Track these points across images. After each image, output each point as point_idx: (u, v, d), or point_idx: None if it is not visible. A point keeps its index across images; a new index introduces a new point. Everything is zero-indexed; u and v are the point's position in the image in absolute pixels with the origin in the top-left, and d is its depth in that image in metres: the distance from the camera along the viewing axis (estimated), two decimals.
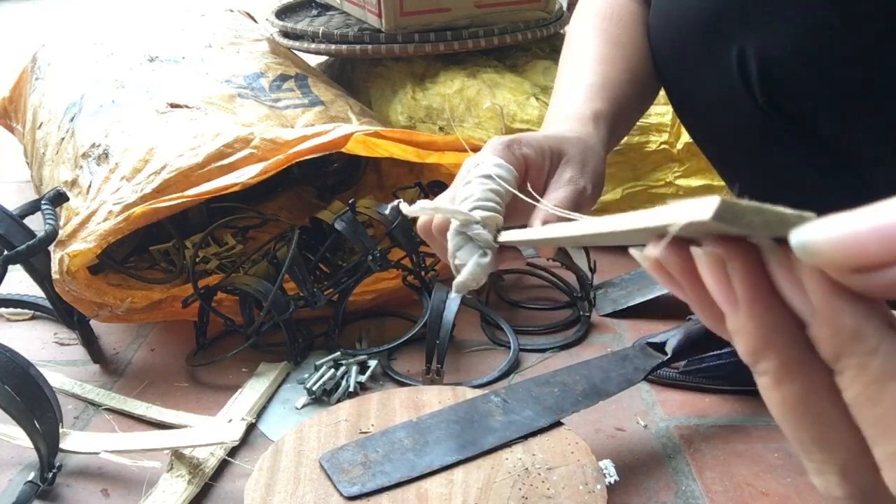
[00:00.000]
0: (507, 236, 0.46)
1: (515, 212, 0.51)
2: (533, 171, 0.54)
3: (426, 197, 1.01)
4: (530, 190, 0.51)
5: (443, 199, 0.53)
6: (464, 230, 0.47)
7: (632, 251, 0.24)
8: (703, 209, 0.19)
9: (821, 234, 0.19)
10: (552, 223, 0.48)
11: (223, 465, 0.76)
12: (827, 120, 0.61)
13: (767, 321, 0.22)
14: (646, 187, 1.17)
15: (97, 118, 1.06)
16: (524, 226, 0.51)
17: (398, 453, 0.68)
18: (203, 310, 0.93)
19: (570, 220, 0.46)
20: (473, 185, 0.49)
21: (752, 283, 0.22)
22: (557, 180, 0.55)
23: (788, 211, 0.20)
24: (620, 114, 0.66)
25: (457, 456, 0.68)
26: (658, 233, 0.22)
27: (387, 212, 0.41)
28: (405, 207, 0.45)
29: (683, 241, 0.23)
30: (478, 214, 0.47)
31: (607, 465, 0.70)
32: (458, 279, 0.47)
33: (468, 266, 0.47)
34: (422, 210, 0.45)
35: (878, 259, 0.18)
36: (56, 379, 0.89)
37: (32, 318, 1.05)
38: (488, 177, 0.49)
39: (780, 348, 0.22)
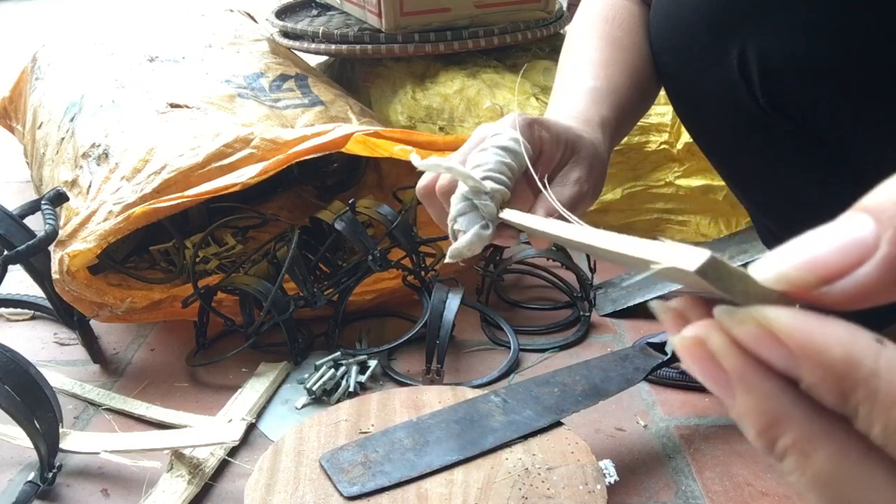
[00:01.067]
0: (509, 215, 0.46)
1: (516, 189, 0.50)
2: (545, 157, 0.54)
3: None
4: (540, 179, 0.51)
5: (453, 160, 0.52)
6: (471, 197, 0.47)
7: (651, 304, 0.23)
8: (690, 259, 0.20)
9: (785, 261, 0.20)
10: (554, 218, 0.49)
11: (223, 465, 0.76)
12: (827, 120, 0.61)
13: (769, 390, 0.20)
14: (646, 187, 1.17)
15: (97, 118, 1.06)
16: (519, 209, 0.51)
17: (398, 453, 0.68)
18: (203, 310, 0.93)
19: (569, 218, 0.46)
20: (489, 153, 0.49)
21: (739, 353, 0.20)
22: (566, 176, 0.55)
23: (772, 290, 0.20)
24: (623, 120, 0.66)
25: (457, 456, 0.68)
26: (644, 265, 0.22)
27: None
28: (416, 160, 0.45)
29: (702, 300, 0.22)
30: (489, 185, 0.47)
31: (607, 465, 0.70)
32: (455, 246, 0.47)
33: (468, 235, 0.46)
34: (434, 166, 0.45)
35: (838, 268, 0.20)
36: (56, 379, 0.89)
37: (32, 318, 1.05)
38: (506, 149, 0.49)
39: (793, 415, 0.20)
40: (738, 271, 0.20)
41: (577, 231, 0.29)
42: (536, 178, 0.49)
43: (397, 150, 0.96)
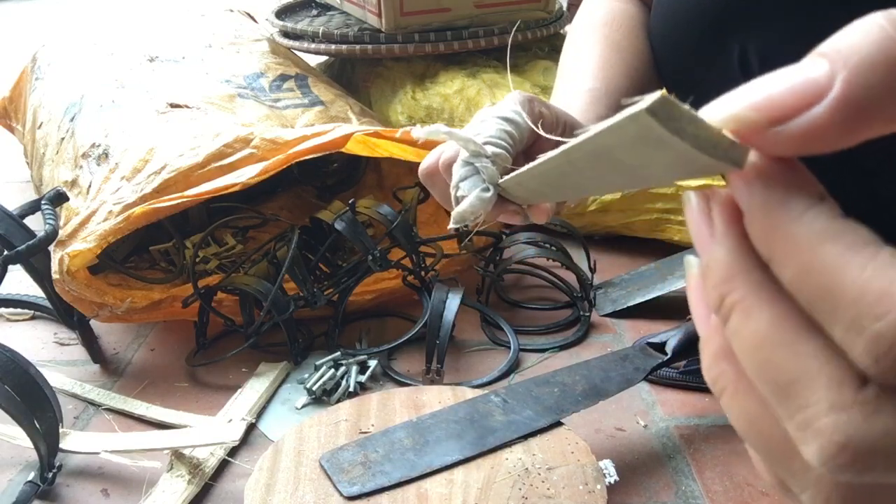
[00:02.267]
0: (508, 177, 0.46)
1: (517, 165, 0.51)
2: (545, 132, 0.54)
3: (426, 197, 1.02)
4: (544, 134, 0.51)
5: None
6: (472, 161, 0.47)
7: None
8: (644, 101, 0.20)
9: (736, 102, 0.20)
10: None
11: (223, 465, 0.76)
12: None
13: (736, 247, 0.21)
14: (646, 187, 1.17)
15: (97, 118, 1.06)
16: None
17: (398, 453, 0.68)
18: (203, 310, 0.93)
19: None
20: (489, 123, 0.50)
21: (729, 210, 0.22)
22: None
23: (724, 135, 0.20)
24: None
25: (457, 456, 0.68)
26: (631, 124, 0.21)
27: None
28: (418, 130, 0.45)
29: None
30: (489, 150, 0.47)
31: (607, 465, 0.70)
32: (458, 209, 0.47)
33: (469, 198, 0.47)
34: (435, 132, 0.45)
35: (790, 108, 0.19)
36: (56, 379, 0.89)
37: (32, 318, 1.05)
38: (505, 119, 0.50)
39: (747, 275, 0.21)
40: (689, 112, 0.20)
41: (559, 148, 0.29)
42: (542, 132, 0.49)
43: (399, 135, 0.96)
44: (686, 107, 0.20)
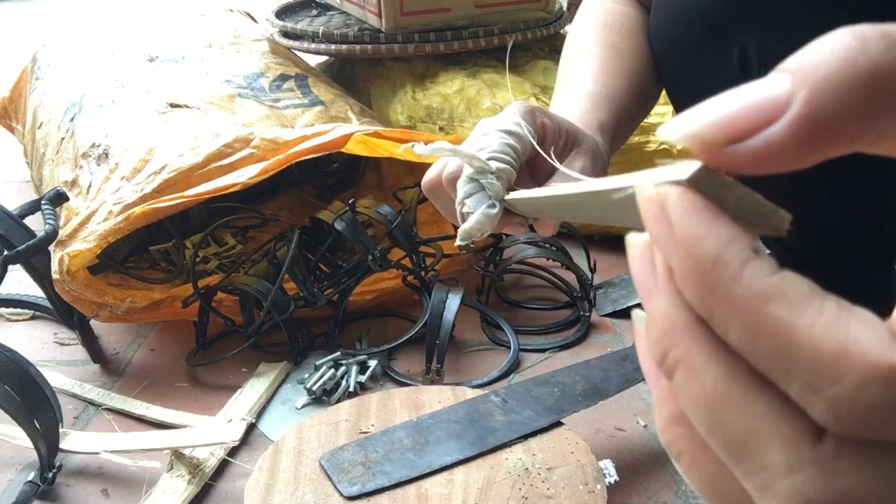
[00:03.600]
0: (515, 195, 0.46)
1: (521, 180, 0.51)
2: (547, 143, 0.54)
3: (425, 198, 1.01)
4: (547, 154, 0.51)
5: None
6: (477, 178, 0.47)
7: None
8: (682, 170, 0.19)
9: (696, 119, 0.20)
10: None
11: (223, 465, 0.76)
12: None
13: (680, 299, 0.20)
14: None
15: (97, 118, 1.06)
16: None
17: (398, 453, 0.68)
18: (203, 310, 0.93)
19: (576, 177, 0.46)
20: (491, 136, 0.49)
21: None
22: (569, 165, 0.55)
23: (765, 202, 0.20)
24: (621, 125, 0.66)
25: (457, 456, 0.68)
26: (648, 189, 0.21)
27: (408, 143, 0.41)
28: (420, 148, 0.45)
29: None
30: (493, 165, 0.47)
31: (607, 465, 0.70)
32: (464, 227, 0.47)
33: (475, 215, 0.47)
34: (438, 150, 0.45)
35: (748, 126, 0.19)
36: (56, 379, 0.89)
37: (32, 318, 1.05)
38: (508, 132, 0.49)
39: (691, 328, 0.20)
40: (732, 181, 0.19)
41: (574, 186, 0.28)
42: (542, 152, 0.49)
43: (400, 152, 0.96)
44: (729, 177, 0.19)
